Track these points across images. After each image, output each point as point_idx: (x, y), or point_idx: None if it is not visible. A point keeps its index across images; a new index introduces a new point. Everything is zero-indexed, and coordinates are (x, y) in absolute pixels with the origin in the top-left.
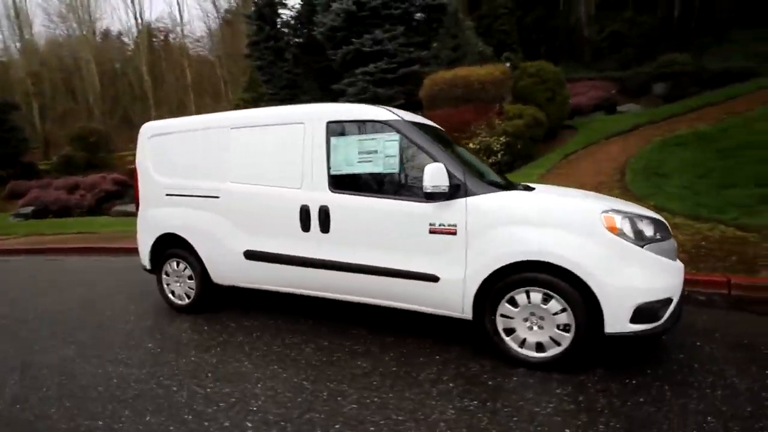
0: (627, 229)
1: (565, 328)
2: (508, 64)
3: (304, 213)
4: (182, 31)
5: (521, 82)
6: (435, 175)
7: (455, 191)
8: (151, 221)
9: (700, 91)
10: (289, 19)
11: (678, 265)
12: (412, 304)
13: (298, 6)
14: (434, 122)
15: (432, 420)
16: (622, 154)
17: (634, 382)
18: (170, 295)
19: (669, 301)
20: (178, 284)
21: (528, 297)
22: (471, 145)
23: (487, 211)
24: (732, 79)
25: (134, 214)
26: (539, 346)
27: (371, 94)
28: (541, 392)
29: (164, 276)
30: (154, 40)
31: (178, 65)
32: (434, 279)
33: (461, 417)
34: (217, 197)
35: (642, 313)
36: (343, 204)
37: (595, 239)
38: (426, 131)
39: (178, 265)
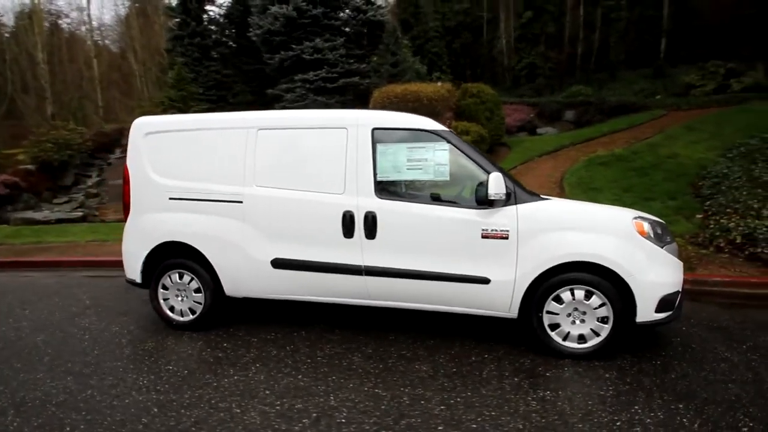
0: (651, 232)
1: (604, 320)
2: (439, 83)
3: (348, 219)
4: (89, 15)
5: (463, 101)
6: (498, 183)
7: (508, 199)
8: (148, 228)
9: (604, 119)
10: (218, 16)
11: (680, 263)
12: (459, 307)
13: (228, 4)
14: None
15: (522, 412)
16: (556, 171)
17: (658, 362)
18: (168, 312)
19: (678, 293)
20: (180, 299)
21: (573, 294)
22: None
23: (537, 217)
24: (626, 111)
25: (40, 222)
26: (581, 338)
27: (310, 102)
28: (596, 378)
29: (161, 290)
30: (47, 24)
31: (82, 54)
32: (485, 281)
33: (545, 407)
34: (239, 202)
35: (664, 304)
36: (392, 210)
37: (630, 242)
38: None
39: (181, 277)
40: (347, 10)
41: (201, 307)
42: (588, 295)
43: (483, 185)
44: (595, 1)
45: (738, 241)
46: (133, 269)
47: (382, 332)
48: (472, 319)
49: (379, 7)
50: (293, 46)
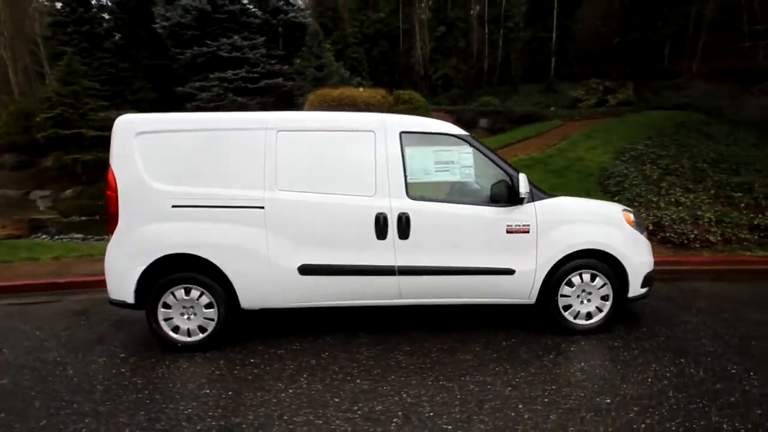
0: (635, 222)
1: (605, 298)
2: (361, 89)
3: (382, 220)
4: None
5: (397, 107)
6: (525, 182)
7: (529, 196)
8: (144, 241)
9: (513, 127)
10: (110, 3)
11: (650, 245)
12: (485, 298)
13: None
14: None
15: (576, 381)
16: None
17: (645, 329)
18: (171, 333)
19: (653, 270)
20: (187, 317)
21: (581, 278)
22: None
23: (552, 212)
24: (530, 120)
25: None
26: (588, 316)
27: (229, 102)
28: (609, 348)
29: (162, 309)
30: None
31: None
32: (510, 272)
33: (590, 376)
34: (260, 207)
35: (647, 280)
36: (425, 210)
37: (623, 231)
38: None
39: (188, 293)
40: (268, 9)
41: (213, 324)
42: (592, 278)
43: (503, 184)
44: (498, 21)
45: (650, 228)
46: (123, 289)
47: (405, 330)
48: (470, 309)
49: (300, 8)
50: (208, 41)
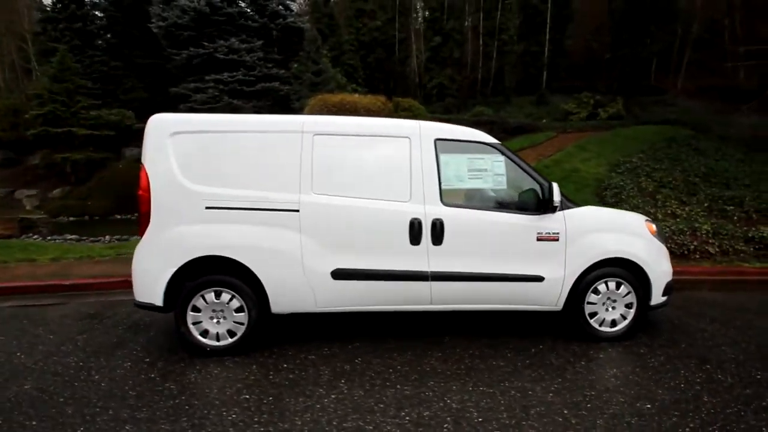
0: (657, 231)
1: (629, 305)
2: (356, 95)
3: (416, 226)
4: None
5: (396, 114)
6: (557, 191)
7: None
8: (176, 242)
9: (507, 138)
10: (104, 1)
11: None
12: (514, 304)
13: None
14: None
15: (613, 387)
16: None
17: (665, 337)
18: (199, 337)
19: (672, 279)
20: (216, 320)
21: (607, 286)
22: None
23: (580, 221)
24: (524, 131)
25: None
26: (612, 323)
27: (225, 104)
28: (637, 355)
29: (191, 313)
30: None
31: None
32: (540, 279)
33: (625, 382)
34: (295, 210)
35: (668, 289)
36: (458, 217)
37: (646, 240)
38: None
39: (218, 296)
40: (266, 14)
41: (243, 328)
42: (617, 286)
43: (532, 192)
44: (492, 34)
45: None
46: (151, 291)
47: (432, 336)
48: (489, 315)
49: (298, 14)
50: (205, 43)
